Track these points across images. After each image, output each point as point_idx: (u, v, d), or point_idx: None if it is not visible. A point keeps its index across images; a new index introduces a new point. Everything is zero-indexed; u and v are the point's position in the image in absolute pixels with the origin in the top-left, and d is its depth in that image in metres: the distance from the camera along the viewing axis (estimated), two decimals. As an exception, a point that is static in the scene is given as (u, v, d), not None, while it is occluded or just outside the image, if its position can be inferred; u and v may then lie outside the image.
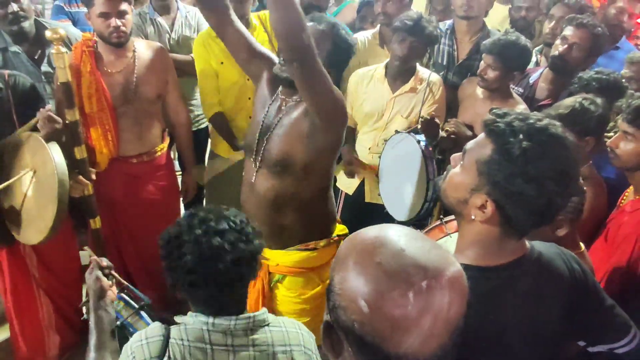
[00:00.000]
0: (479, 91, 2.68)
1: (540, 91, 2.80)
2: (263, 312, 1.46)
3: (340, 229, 2.17)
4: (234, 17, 1.96)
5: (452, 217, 1.77)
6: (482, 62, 2.58)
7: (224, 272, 1.34)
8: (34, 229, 2.35)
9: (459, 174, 1.19)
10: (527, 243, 1.24)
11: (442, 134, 2.59)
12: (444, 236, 1.81)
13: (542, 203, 1.11)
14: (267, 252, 2.02)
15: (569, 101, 2.07)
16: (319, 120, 1.81)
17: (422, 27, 2.55)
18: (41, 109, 2.29)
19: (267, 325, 1.45)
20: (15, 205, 2.41)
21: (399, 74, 2.71)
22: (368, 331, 0.75)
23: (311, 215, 2.03)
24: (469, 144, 1.20)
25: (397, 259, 0.77)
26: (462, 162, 1.20)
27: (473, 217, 1.15)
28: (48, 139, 2.27)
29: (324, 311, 0.85)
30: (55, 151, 2.24)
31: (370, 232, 0.83)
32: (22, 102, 2.40)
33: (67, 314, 2.79)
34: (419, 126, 2.56)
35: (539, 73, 2.84)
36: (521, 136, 1.09)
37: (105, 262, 1.67)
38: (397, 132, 2.61)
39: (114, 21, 2.42)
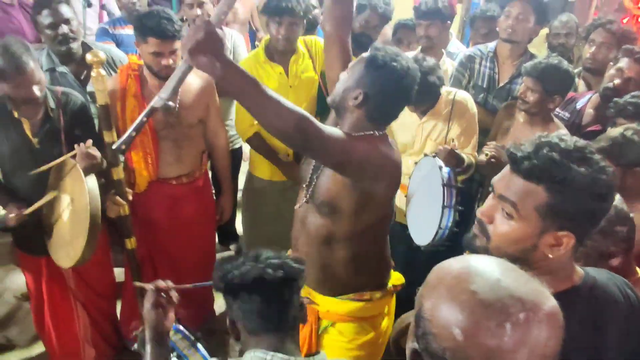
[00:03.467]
0: (519, 115, 2.65)
1: (588, 117, 2.76)
2: (322, 356, 1.42)
3: (396, 277, 2.08)
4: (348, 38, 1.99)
5: None
6: (522, 84, 2.56)
7: (271, 282, 1.35)
8: (65, 253, 2.39)
9: (515, 227, 1.15)
10: (581, 269, 1.24)
11: (482, 157, 2.57)
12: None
13: (600, 215, 1.14)
14: (318, 297, 1.98)
15: (612, 133, 2.03)
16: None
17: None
18: (80, 144, 2.29)
19: None
20: (53, 225, 2.46)
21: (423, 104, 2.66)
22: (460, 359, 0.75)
23: (364, 261, 1.93)
24: (509, 195, 1.14)
25: (494, 289, 0.77)
26: (511, 216, 1.15)
27: (550, 256, 1.14)
28: (86, 171, 2.28)
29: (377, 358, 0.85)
30: (91, 185, 2.26)
31: (461, 261, 0.84)
32: (72, 120, 2.45)
33: (102, 327, 2.84)
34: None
35: (586, 99, 2.80)
36: (575, 166, 1.08)
37: (161, 283, 1.59)
38: (425, 155, 2.58)
39: (166, 60, 2.44)
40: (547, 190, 1.10)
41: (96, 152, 2.30)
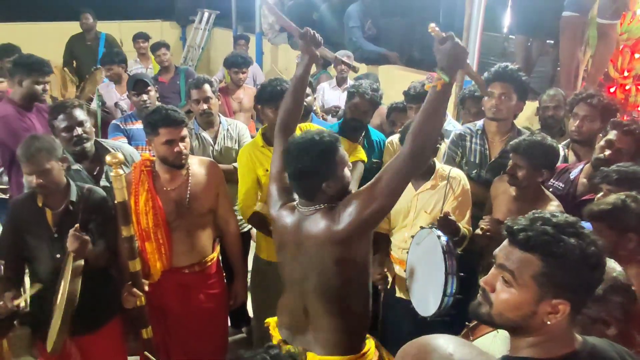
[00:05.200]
0: (511, 189, 2.74)
1: (582, 186, 2.85)
2: None
3: None
4: None
5: None
6: (510, 160, 2.68)
7: None
8: (50, 337, 2.49)
9: (514, 294, 1.25)
10: (580, 337, 1.30)
11: (477, 231, 2.66)
12: (491, 331, 1.83)
13: (596, 284, 1.24)
14: None
15: (611, 198, 2.12)
16: None
17: None
18: (70, 230, 2.41)
19: None
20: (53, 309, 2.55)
21: (420, 173, 2.79)
22: None
23: None
24: (508, 264, 1.26)
25: None
26: (510, 284, 1.25)
27: (548, 322, 1.23)
28: (77, 254, 2.39)
29: None
30: (73, 280, 2.37)
31: (424, 339, 0.96)
32: (91, 215, 2.60)
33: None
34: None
35: (579, 169, 2.90)
36: (567, 238, 1.20)
37: None
38: (421, 227, 2.67)
39: (178, 147, 2.62)
40: (542, 260, 1.21)
41: (85, 237, 2.39)
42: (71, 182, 2.61)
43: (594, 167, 2.75)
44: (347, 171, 2.10)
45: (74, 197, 2.58)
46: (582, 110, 3.05)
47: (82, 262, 2.43)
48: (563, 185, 2.92)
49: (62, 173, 2.55)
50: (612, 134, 2.72)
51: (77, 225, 2.42)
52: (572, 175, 2.92)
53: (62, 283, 2.50)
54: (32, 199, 2.58)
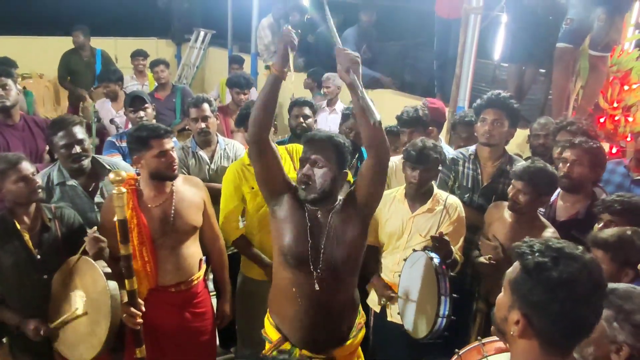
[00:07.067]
0: (507, 214, 2.79)
1: (560, 209, 2.93)
2: None
3: None
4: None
5: (490, 338, 1.83)
6: (510, 186, 2.73)
7: None
8: (87, 346, 2.48)
9: (501, 296, 1.36)
10: None
11: (481, 259, 2.69)
12: (481, 358, 1.85)
13: (561, 312, 1.23)
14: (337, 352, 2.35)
15: (617, 230, 2.17)
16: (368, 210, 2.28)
17: (427, 155, 2.74)
18: (88, 231, 2.47)
19: None
20: (66, 327, 2.54)
21: (417, 196, 2.86)
22: None
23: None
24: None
25: None
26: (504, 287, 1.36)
27: (512, 333, 1.29)
28: (96, 258, 2.46)
29: None
30: (104, 268, 2.42)
31: None
32: (69, 232, 2.63)
33: None
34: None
35: (556, 193, 2.97)
36: (537, 253, 1.27)
37: None
38: (414, 250, 2.70)
39: (170, 156, 2.68)
40: (519, 269, 1.29)
41: (102, 238, 2.47)
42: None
43: (561, 186, 2.88)
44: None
45: (49, 213, 2.62)
46: (564, 138, 3.15)
47: (106, 266, 2.50)
48: (543, 210, 2.98)
49: None
50: (565, 152, 2.88)
51: (94, 227, 2.51)
52: (551, 198, 2.98)
53: (72, 294, 2.52)
54: (5, 221, 2.56)
